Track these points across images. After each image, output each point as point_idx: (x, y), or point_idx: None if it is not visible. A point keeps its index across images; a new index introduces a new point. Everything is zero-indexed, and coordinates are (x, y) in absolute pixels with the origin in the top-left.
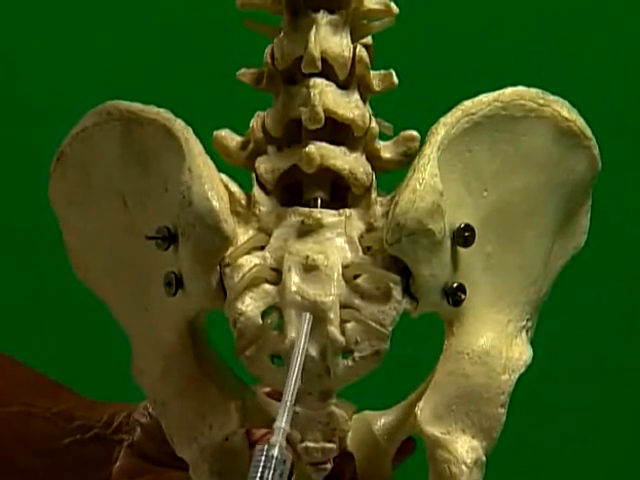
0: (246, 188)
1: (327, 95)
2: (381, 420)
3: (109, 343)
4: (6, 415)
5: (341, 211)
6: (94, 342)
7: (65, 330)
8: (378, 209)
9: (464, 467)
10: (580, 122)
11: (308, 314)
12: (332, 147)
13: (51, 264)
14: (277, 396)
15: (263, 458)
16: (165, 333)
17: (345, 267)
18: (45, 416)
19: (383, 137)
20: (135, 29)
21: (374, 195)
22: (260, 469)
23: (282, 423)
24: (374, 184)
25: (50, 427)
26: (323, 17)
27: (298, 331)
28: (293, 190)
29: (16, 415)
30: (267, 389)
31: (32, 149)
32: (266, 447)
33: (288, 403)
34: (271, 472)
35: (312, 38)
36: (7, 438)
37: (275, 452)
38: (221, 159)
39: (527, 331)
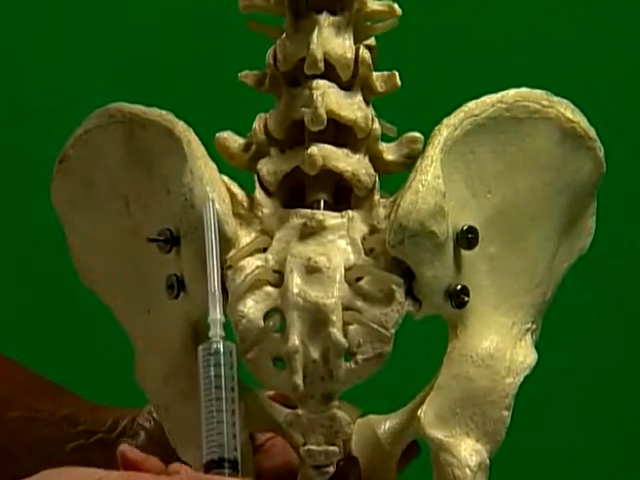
0: (248, 190)
1: (330, 97)
2: (385, 424)
3: (112, 346)
4: (10, 420)
5: (344, 213)
6: (97, 345)
7: (68, 332)
8: (381, 211)
9: (468, 470)
10: (584, 123)
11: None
12: (335, 149)
13: (53, 265)
14: (281, 399)
15: (210, 357)
16: (167, 336)
17: (347, 269)
18: (49, 421)
19: (386, 139)
20: (137, 31)
21: (377, 197)
22: (211, 368)
23: (217, 314)
24: (377, 186)
25: (54, 432)
26: (326, 18)
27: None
28: (295, 192)
29: (20, 420)
30: (270, 392)
31: (33, 151)
32: (206, 345)
33: (217, 293)
34: (222, 368)
35: (314, 39)
36: (11, 443)
37: (219, 346)
38: (223, 161)
39: (531, 334)
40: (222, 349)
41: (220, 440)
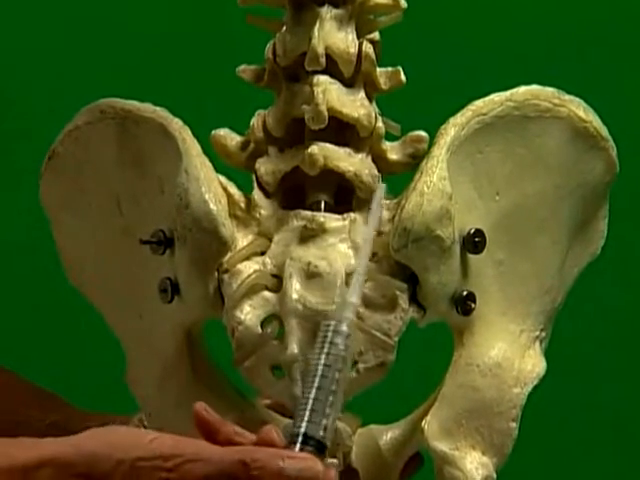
0: (246, 190)
1: (331, 93)
2: (387, 434)
3: (102, 351)
4: None
5: (345, 215)
6: (87, 350)
7: (57, 337)
8: (384, 213)
9: None
10: (597, 123)
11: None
12: (336, 148)
13: (41, 267)
14: (278, 408)
15: (330, 333)
16: (160, 342)
17: (349, 274)
18: (37, 427)
19: (390, 138)
20: (132, 24)
21: None
22: (327, 344)
23: (353, 297)
24: None
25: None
26: (328, 11)
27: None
28: (295, 193)
29: (7, 426)
30: (268, 401)
31: (21, 147)
32: (334, 322)
33: (360, 277)
34: (338, 347)
35: (316, 33)
36: None
37: (344, 327)
38: (220, 160)
39: (541, 342)
40: (345, 330)
41: (313, 417)
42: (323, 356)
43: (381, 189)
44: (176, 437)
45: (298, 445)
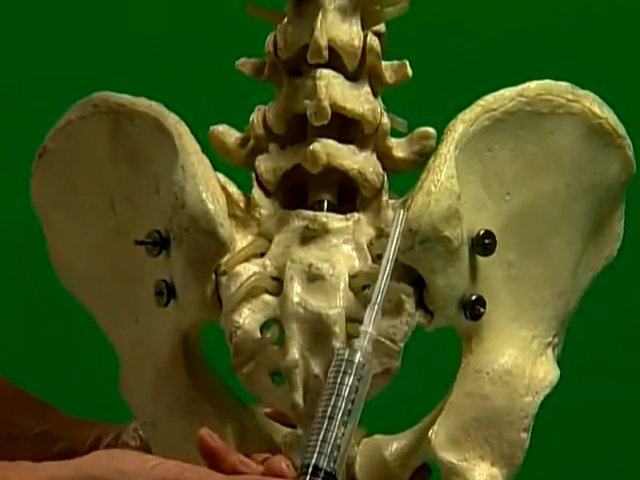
0: (245, 189)
1: (334, 88)
2: (393, 445)
3: (95, 356)
4: None
5: (349, 215)
6: (79, 355)
7: (48, 342)
8: (390, 213)
9: None
10: (613, 119)
11: (402, 211)
12: (340, 145)
13: (31, 268)
14: (279, 417)
15: (343, 363)
16: (156, 347)
17: (352, 277)
18: (26, 437)
19: (396, 134)
20: (126, 15)
21: (385, 198)
22: (340, 374)
23: (369, 327)
24: (385, 186)
25: (31, 449)
26: (331, 2)
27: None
28: (296, 192)
29: None
30: (268, 409)
31: (12, 144)
32: (348, 352)
33: (376, 306)
34: (351, 378)
35: (318, 25)
36: None
37: (357, 357)
38: (218, 157)
39: (553, 348)
40: (357, 360)
41: (323, 448)
42: (336, 386)
43: (401, 214)
44: (180, 464)
45: (308, 477)
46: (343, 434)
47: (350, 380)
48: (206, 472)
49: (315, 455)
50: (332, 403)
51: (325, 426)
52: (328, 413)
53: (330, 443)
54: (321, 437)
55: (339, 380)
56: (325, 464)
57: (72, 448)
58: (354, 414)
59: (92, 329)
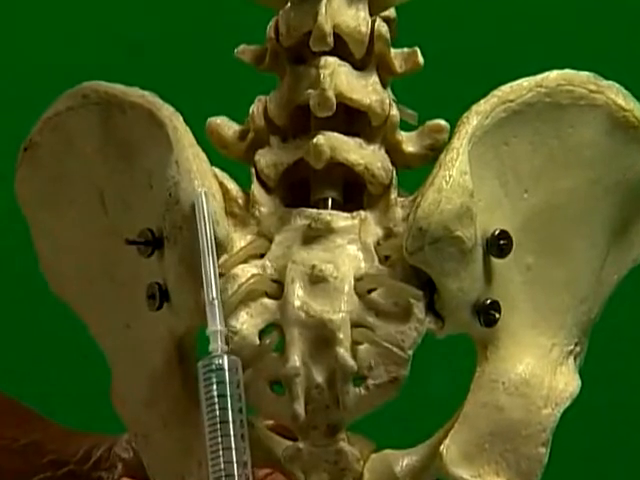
0: (244, 185)
1: (340, 77)
2: (404, 460)
3: (86, 363)
4: None
5: (355, 214)
6: (69, 362)
7: (36, 349)
8: (398, 212)
9: None
10: (638, 112)
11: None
12: (345, 138)
13: (18, 272)
14: (281, 429)
15: (212, 374)
16: (149, 354)
17: (358, 279)
18: (12, 449)
19: (405, 127)
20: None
21: (394, 195)
22: (214, 387)
23: (217, 325)
24: (394, 182)
25: (18, 462)
26: None
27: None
28: (299, 188)
29: None
30: (270, 422)
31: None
32: (207, 360)
33: (215, 300)
34: (227, 386)
35: (323, 9)
36: None
37: (222, 361)
38: (215, 151)
39: (575, 357)
40: (227, 364)
41: (229, 470)
42: (214, 400)
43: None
44: None
45: None
46: (245, 448)
47: (227, 389)
48: None
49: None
50: (219, 419)
51: (223, 446)
52: (221, 432)
53: (235, 462)
54: (223, 459)
55: (215, 393)
56: None
57: (61, 460)
58: (245, 422)
59: (82, 335)
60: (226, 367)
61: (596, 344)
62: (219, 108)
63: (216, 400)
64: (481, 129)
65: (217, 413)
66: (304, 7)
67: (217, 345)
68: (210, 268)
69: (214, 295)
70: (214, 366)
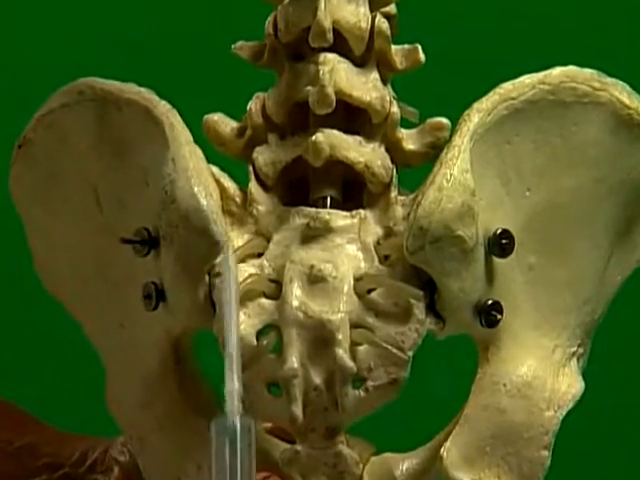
0: (242, 184)
1: (339, 73)
2: (404, 464)
3: (81, 365)
4: None
5: (354, 212)
6: (63, 364)
7: (30, 350)
8: (399, 210)
9: None
10: None
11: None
12: (345, 136)
13: (11, 271)
14: (279, 432)
15: (225, 437)
16: (145, 355)
17: (358, 279)
18: (7, 451)
19: (406, 125)
20: None
21: (394, 194)
22: (226, 449)
23: (235, 384)
24: (394, 181)
25: (13, 465)
26: None
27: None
28: (297, 187)
29: None
30: (268, 424)
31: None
32: (223, 420)
33: (234, 355)
34: (238, 446)
35: (322, 5)
36: None
37: (235, 421)
38: (213, 148)
39: (578, 359)
40: (239, 426)
41: None
42: (225, 462)
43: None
44: None
45: None
46: None
47: (239, 450)
48: None
49: None
50: None
51: None
52: None
53: None
54: None
55: (227, 456)
56: None
57: (56, 463)
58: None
59: (78, 337)
60: (238, 429)
61: (599, 345)
62: (216, 105)
63: (227, 462)
64: (483, 127)
65: (227, 476)
66: (303, 2)
67: (232, 406)
68: (232, 325)
69: (233, 347)
70: (228, 427)
